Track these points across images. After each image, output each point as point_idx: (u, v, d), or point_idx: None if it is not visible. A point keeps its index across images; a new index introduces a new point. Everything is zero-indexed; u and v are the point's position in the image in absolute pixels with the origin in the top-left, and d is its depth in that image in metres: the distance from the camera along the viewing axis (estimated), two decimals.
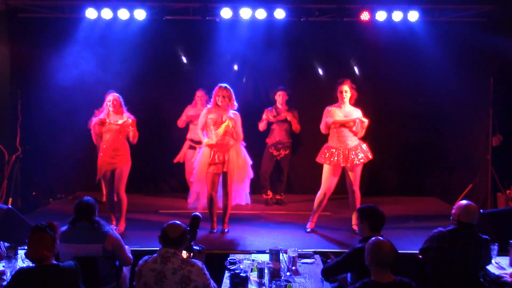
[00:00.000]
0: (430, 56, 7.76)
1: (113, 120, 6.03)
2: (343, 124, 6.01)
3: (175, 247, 3.46)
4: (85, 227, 4.07)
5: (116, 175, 6.06)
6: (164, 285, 3.35)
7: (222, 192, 6.14)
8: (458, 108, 8.03)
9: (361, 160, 6.05)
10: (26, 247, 3.47)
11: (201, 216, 4.08)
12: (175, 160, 7.82)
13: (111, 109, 6.01)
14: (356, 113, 6.08)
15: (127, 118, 6.05)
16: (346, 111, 6.07)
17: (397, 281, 3.30)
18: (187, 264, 3.41)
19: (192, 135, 7.66)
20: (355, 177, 6.11)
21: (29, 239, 3.42)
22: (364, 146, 6.13)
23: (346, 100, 6.05)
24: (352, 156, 6.00)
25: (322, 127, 6.14)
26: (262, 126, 7.52)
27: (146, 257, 3.52)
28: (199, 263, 3.49)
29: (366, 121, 6.06)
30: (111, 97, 6.04)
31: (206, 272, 3.47)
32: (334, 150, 6.06)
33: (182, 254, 3.51)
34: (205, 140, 6.03)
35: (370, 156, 6.12)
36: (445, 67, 7.74)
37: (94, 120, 6.13)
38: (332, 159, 6.03)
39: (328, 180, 6.09)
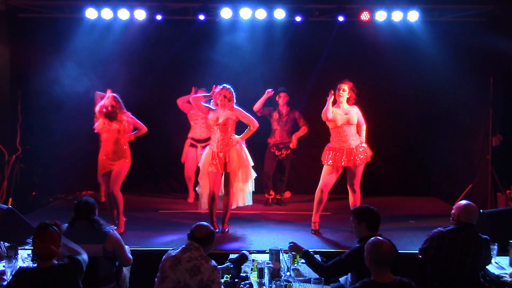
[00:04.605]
0: (430, 56, 7.77)
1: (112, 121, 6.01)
2: (345, 123, 6.01)
3: (200, 244, 3.61)
4: (85, 227, 4.07)
5: (113, 174, 6.04)
6: (176, 270, 3.51)
7: (224, 192, 6.15)
8: (458, 108, 8.03)
9: (363, 160, 6.05)
10: (26, 247, 3.47)
11: (248, 256, 4.10)
12: (183, 160, 7.83)
13: (109, 110, 5.99)
14: (354, 110, 6.09)
15: (124, 121, 6.02)
16: (345, 109, 6.08)
17: (397, 281, 3.30)
18: (203, 259, 3.55)
19: (193, 133, 7.68)
20: (356, 177, 6.11)
21: (36, 236, 3.44)
22: (365, 145, 6.15)
23: (343, 99, 6.05)
24: (355, 156, 6.00)
25: (326, 112, 5.97)
26: (257, 105, 7.35)
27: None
28: (215, 264, 3.59)
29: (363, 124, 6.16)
30: (108, 98, 6.01)
31: (218, 274, 3.56)
32: (336, 151, 6.05)
33: None
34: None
35: (370, 154, 6.13)
36: (445, 67, 7.74)
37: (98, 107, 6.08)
38: (335, 161, 6.02)
39: (326, 177, 6.10)
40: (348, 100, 6.08)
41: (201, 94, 6.13)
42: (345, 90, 6.03)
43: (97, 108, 6.09)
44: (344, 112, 6.06)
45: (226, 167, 6.00)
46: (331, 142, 6.16)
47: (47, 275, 3.35)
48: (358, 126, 6.16)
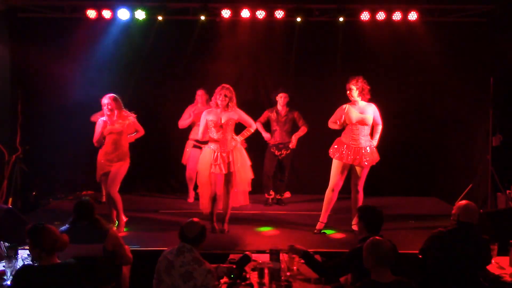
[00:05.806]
0: (430, 56, 7.76)
1: (113, 123, 6.01)
2: (360, 122, 5.96)
3: (192, 244, 3.58)
4: (85, 227, 4.08)
5: (111, 175, 6.03)
6: (170, 275, 3.51)
7: (224, 192, 6.15)
8: (458, 108, 8.02)
9: (369, 162, 6.01)
10: (26, 247, 3.47)
11: (251, 257, 4.11)
12: (183, 161, 7.83)
13: (108, 112, 5.99)
14: (370, 109, 6.02)
15: (127, 120, 6.03)
16: (360, 107, 6.01)
17: (397, 281, 3.30)
18: (196, 262, 3.51)
19: (195, 135, 7.67)
20: (361, 178, 6.08)
21: (36, 234, 3.43)
22: (375, 148, 6.11)
23: (354, 98, 5.98)
24: (361, 156, 5.96)
25: (331, 123, 6.06)
26: (258, 125, 7.42)
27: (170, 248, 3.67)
28: (209, 266, 3.55)
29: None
30: (106, 100, 5.96)
31: (213, 277, 3.53)
32: (346, 146, 6.00)
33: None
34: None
35: (377, 159, 6.10)
36: (445, 67, 7.74)
37: (98, 127, 6.06)
38: (341, 155, 5.98)
39: (336, 176, 6.05)
40: (362, 94, 5.97)
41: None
42: (352, 89, 5.97)
43: (95, 139, 6.08)
44: (359, 111, 5.98)
45: (229, 167, 6.00)
46: (343, 136, 6.10)
47: (50, 273, 3.35)
48: (374, 126, 6.08)
